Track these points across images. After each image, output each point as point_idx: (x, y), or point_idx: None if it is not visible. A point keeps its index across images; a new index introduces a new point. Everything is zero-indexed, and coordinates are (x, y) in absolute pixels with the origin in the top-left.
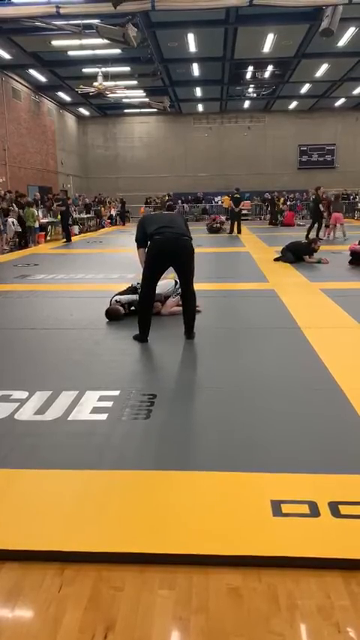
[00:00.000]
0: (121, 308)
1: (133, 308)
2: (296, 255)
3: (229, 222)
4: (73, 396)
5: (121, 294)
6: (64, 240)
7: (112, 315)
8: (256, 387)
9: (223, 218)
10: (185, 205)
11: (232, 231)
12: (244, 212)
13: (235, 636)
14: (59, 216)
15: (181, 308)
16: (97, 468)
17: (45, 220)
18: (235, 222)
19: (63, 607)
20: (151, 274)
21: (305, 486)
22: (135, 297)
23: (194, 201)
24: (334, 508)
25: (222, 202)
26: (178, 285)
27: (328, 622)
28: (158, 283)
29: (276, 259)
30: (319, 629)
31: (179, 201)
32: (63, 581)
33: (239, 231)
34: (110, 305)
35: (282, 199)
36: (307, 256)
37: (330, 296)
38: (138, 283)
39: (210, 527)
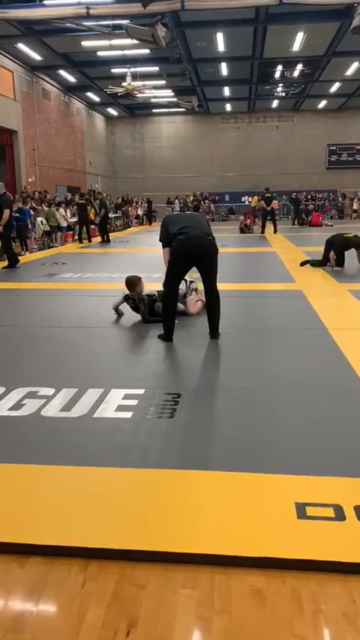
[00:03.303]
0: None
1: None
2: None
3: (260, 222)
4: (98, 394)
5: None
6: (104, 239)
7: (129, 283)
8: (281, 389)
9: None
10: (212, 205)
11: (263, 231)
12: None
13: (257, 638)
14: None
15: (202, 303)
16: (121, 466)
17: (73, 220)
18: (268, 222)
19: (86, 603)
20: (175, 274)
21: (331, 490)
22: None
23: (219, 201)
24: None
25: (250, 202)
26: (189, 282)
27: (352, 627)
28: None
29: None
30: (343, 635)
31: (206, 200)
32: (86, 577)
33: (275, 231)
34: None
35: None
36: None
37: (358, 297)
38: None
39: (234, 527)
